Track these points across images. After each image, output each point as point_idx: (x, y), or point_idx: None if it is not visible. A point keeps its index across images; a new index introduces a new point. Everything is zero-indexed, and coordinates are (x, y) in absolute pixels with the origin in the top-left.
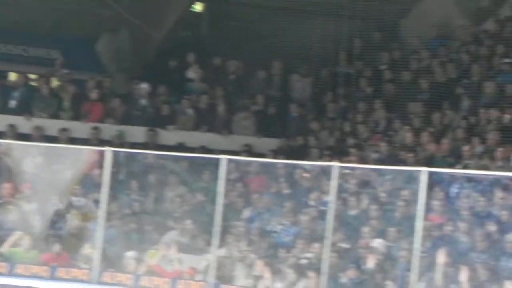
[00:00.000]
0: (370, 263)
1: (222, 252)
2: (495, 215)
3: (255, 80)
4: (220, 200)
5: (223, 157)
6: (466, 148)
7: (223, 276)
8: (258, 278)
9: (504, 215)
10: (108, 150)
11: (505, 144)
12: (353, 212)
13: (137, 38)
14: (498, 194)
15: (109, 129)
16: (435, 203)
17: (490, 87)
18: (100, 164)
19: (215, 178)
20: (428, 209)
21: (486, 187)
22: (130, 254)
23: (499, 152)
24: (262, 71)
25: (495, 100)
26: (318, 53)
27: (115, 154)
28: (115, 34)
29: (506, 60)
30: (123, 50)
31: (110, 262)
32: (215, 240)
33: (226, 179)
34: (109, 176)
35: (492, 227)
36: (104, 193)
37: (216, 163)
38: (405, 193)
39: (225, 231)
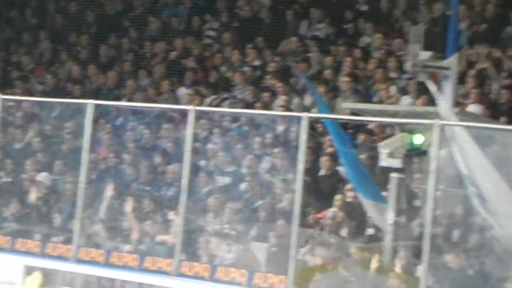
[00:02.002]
0: (33, 196)
1: None
2: (160, 147)
3: None
4: None
5: None
6: (132, 80)
7: None
8: None
9: (169, 147)
10: None
11: (170, 77)
12: (17, 146)
13: None
14: (164, 126)
15: None
16: (101, 136)
17: (155, 21)
18: None
19: None
20: (94, 141)
21: (152, 120)
22: None
23: (165, 85)
24: None
25: (160, 34)
26: None
27: None
28: None
29: None
30: None
31: None
32: None
33: None
34: None
35: (157, 159)
36: None
37: None
38: (71, 125)
39: None
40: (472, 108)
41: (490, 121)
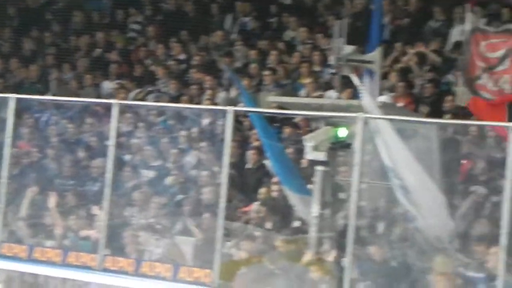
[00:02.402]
0: None
1: None
2: (84, 141)
3: None
4: None
5: None
6: (55, 74)
7: None
8: None
9: (93, 141)
10: None
11: (94, 71)
12: None
13: None
14: (88, 120)
15: None
16: (24, 130)
17: (78, 15)
18: None
19: None
20: (17, 136)
21: (76, 114)
22: None
23: (88, 78)
24: None
25: (84, 27)
26: None
27: None
28: None
29: None
30: None
31: None
32: None
33: None
34: None
35: (81, 154)
36: None
37: None
38: None
39: None
40: (385, 97)
41: (413, 114)
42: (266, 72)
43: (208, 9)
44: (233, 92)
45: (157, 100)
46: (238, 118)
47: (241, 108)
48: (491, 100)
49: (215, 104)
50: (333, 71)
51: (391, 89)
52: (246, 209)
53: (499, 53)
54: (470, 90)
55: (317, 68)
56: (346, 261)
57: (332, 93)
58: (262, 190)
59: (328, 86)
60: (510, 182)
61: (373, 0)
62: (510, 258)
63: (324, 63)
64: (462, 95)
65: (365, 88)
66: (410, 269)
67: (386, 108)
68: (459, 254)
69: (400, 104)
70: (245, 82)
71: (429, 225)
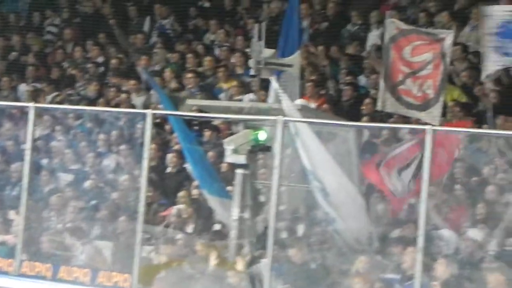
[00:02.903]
0: None
1: None
2: (1, 145)
3: None
4: None
5: None
6: None
7: None
8: None
9: (9, 145)
10: None
11: (10, 74)
12: None
13: None
14: (4, 124)
15: None
16: None
17: None
18: None
19: None
20: None
21: None
22: None
23: (4, 81)
24: None
25: (0, 29)
26: None
27: None
28: None
29: None
30: None
31: None
32: None
33: None
34: None
35: None
36: None
37: None
38: None
39: None
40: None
41: (332, 117)
42: (187, 75)
43: (127, 11)
44: (154, 95)
45: (75, 103)
46: (160, 122)
47: (160, 111)
48: None
49: (134, 107)
50: (253, 74)
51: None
52: (166, 212)
53: (424, 56)
54: (393, 96)
55: (237, 71)
56: (266, 263)
57: (251, 96)
58: (182, 194)
59: (247, 89)
60: (426, 183)
61: (291, 4)
62: (426, 258)
63: (244, 66)
64: (384, 101)
65: (284, 91)
66: (329, 271)
67: (305, 111)
68: (377, 256)
69: (313, 105)
70: (164, 85)
71: (348, 227)
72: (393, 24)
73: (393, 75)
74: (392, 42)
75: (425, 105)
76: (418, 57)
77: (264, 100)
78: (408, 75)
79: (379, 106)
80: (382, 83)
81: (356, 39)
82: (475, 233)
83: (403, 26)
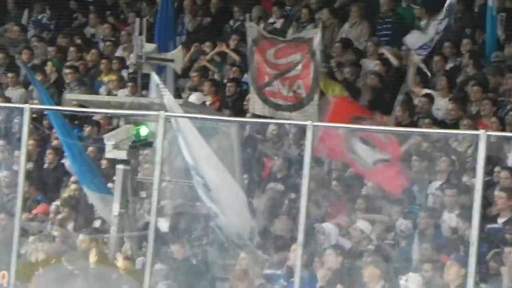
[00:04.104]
0: None
1: None
2: None
3: None
4: None
5: None
6: None
7: None
8: None
9: None
10: None
11: None
12: None
13: None
14: None
15: None
16: None
17: None
18: None
19: None
20: None
21: None
22: None
23: None
24: None
25: None
26: None
27: None
28: None
29: None
30: None
31: None
32: None
33: None
34: None
35: None
36: None
37: None
38: None
39: None
40: (195, 97)
41: (216, 113)
42: (67, 70)
43: (4, 3)
44: (31, 90)
45: None
46: (39, 117)
47: (38, 106)
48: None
49: (9, 100)
50: (134, 69)
51: (195, 88)
52: (38, 210)
53: (290, 58)
54: (260, 98)
55: (117, 66)
56: (147, 260)
57: (132, 91)
58: (62, 190)
59: (129, 84)
60: (306, 179)
61: None
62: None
63: (125, 60)
64: (254, 103)
65: (166, 86)
66: (211, 266)
67: (188, 106)
68: (259, 251)
69: (208, 102)
70: (43, 79)
71: (231, 222)
72: (254, 28)
73: (259, 77)
74: (255, 45)
75: (298, 105)
76: (284, 59)
77: (147, 95)
78: (276, 76)
79: (250, 109)
80: (251, 86)
81: (238, 34)
82: (364, 225)
83: (264, 33)
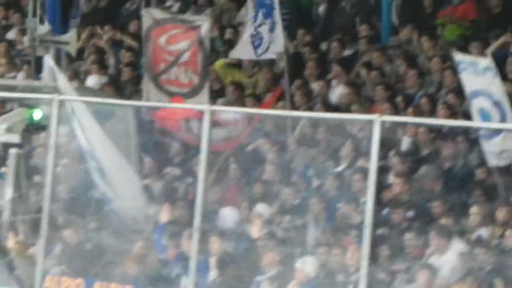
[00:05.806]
0: None
1: None
2: None
3: None
4: None
5: None
6: None
7: None
8: None
9: None
10: None
11: None
12: None
13: None
14: None
15: None
16: None
17: None
18: None
19: None
20: None
21: None
22: None
23: None
24: None
25: None
26: None
27: None
28: None
29: None
30: None
31: None
32: None
33: None
34: None
35: None
36: None
37: None
38: None
39: None
40: (92, 80)
41: (112, 96)
42: None
43: None
44: None
45: None
46: None
47: None
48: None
49: None
50: (27, 51)
51: (87, 72)
52: None
53: (181, 45)
54: (155, 86)
55: (11, 49)
56: (40, 244)
57: (25, 74)
58: None
59: (21, 66)
60: (203, 163)
61: None
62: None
63: (17, 43)
64: (148, 92)
65: (60, 69)
66: (105, 251)
67: (82, 90)
68: (154, 236)
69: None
70: None
71: (126, 207)
72: (149, 15)
73: (155, 65)
74: (149, 33)
75: (192, 92)
76: (175, 45)
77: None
78: (173, 63)
79: (144, 97)
80: (145, 75)
81: (135, 18)
82: (264, 209)
83: (159, 15)
